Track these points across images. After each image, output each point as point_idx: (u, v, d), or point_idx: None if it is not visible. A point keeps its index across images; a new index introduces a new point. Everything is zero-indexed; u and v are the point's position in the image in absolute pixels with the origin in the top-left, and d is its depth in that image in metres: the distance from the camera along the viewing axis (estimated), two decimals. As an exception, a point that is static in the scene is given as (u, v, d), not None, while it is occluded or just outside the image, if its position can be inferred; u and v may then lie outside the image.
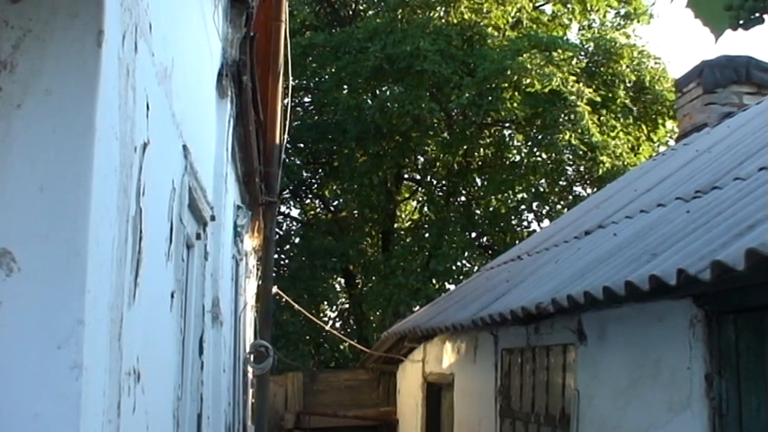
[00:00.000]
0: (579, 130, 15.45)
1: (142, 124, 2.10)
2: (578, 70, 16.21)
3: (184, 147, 2.98)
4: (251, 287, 9.62)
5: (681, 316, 4.40)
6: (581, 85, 15.75)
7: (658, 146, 17.70)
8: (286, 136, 9.35)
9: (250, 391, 9.01)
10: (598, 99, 16.21)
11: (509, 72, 15.32)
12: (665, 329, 4.61)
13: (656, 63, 17.44)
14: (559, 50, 15.94)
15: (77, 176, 1.62)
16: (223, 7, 4.50)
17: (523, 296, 6.16)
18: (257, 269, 10.22)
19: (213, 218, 4.16)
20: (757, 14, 1.12)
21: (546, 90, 15.19)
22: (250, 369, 8.41)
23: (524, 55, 15.45)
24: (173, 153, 2.79)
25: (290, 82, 8.40)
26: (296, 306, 12.53)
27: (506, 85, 15.57)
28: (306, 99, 20.33)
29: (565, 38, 18.20)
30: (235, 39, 4.64)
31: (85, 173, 1.62)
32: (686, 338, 4.36)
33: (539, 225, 18.57)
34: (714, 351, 4.17)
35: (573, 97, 15.31)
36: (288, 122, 9.10)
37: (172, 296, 2.81)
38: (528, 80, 15.20)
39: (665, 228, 5.14)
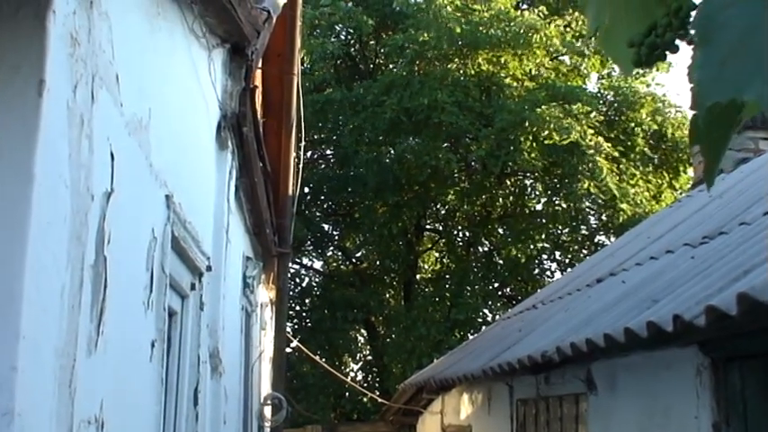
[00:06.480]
0: (599, 179, 15.40)
1: (103, 173, 2.13)
2: (597, 123, 16.18)
3: (167, 197, 3.01)
4: (268, 339, 9.57)
5: (687, 364, 4.32)
6: (599, 138, 15.69)
7: (680, 193, 17.56)
8: (300, 188, 9.38)
9: (267, 444, 8.91)
10: (616, 154, 16.17)
11: (527, 124, 15.34)
12: (672, 378, 4.53)
13: (677, 112, 17.41)
14: (579, 104, 15.91)
15: (15, 224, 1.63)
16: (222, 60, 4.57)
17: (532, 345, 6.09)
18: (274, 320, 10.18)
19: (210, 268, 4.17)
20: (658, 51, 1.13)
21: (564, 143, 15.18)
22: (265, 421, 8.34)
23: (542, 107, 15.47)
24: (151, 202, 2.82)
25: (303, 134, 8.48)
26: (315, 358, 12.48)
27: (523, 136, 15.59)
28: (328, 151, 20.48)
29: (583, 87, 18.22)
30: (234, 91, 4.71)
31: (23, 220, 1.64)
32: (693, 387, 4.28)
33: (562, 274, 18.41)
34: (721, 399, 4.08)
35: (591, 151, 15.27)
36: (301, 174, 9.16)
37: (152, 345, 2.81)
38: (546, 132, 15.20)
39: (669, 273, 5.08)
